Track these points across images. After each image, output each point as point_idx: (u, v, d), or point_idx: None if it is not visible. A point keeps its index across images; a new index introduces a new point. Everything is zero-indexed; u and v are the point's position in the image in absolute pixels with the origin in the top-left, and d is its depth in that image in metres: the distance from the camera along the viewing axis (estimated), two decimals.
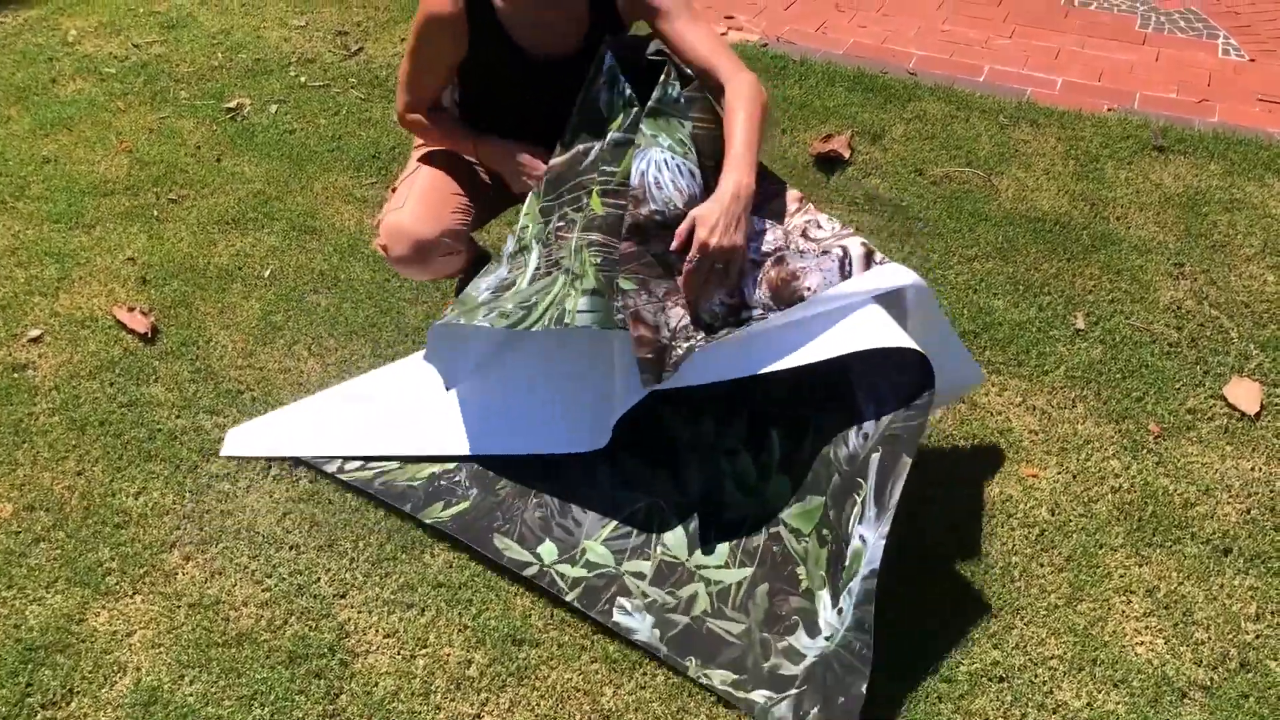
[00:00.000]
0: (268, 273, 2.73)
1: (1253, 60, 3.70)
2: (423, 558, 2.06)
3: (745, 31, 3.84)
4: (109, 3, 3.99)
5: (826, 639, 1.86)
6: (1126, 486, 2.20)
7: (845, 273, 1.84)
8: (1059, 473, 2.23)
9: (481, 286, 2.06)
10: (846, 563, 1.84)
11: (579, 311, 1.84)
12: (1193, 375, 2.45)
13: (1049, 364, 2.47)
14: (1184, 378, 2.44)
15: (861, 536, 1.81)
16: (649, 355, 1.81)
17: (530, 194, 2.09)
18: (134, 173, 3.08)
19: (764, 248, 1.91)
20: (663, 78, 1.99)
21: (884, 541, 1.77)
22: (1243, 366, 2.47)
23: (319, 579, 2.02)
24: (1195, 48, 3.78)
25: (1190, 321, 2.59)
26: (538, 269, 2.01)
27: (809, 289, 1.84)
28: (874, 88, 3.49)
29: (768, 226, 1.93)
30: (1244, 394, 2.39)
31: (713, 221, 1.82)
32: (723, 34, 3.81)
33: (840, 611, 1.84)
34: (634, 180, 1.91)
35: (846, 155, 3.13)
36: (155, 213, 2.93)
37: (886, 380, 1.89)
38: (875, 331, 1.79)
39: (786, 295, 1.85)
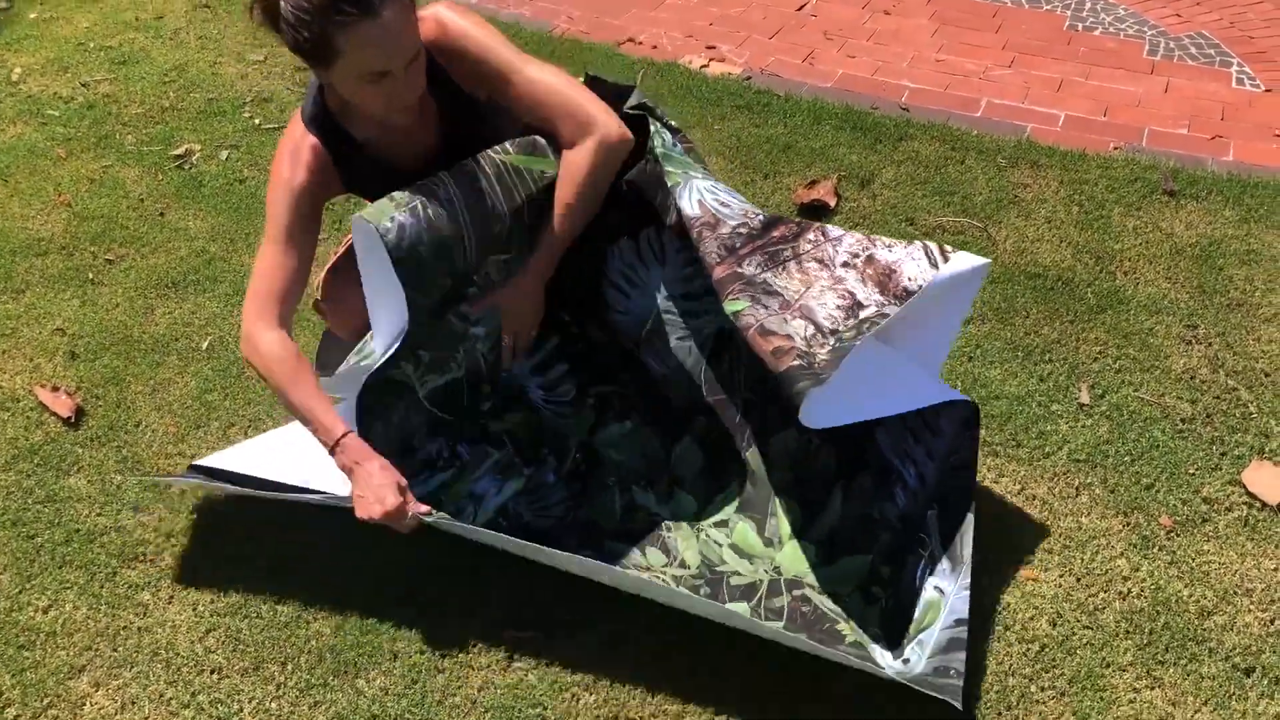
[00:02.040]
0: (206, 344, 2.53)
1: (1269, 90, 3.48)
2: (356, 682, 1.86)
3: (727, 64, 3.62)
4: (59, 37, 3.80)
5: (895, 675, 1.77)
6: (1136, 591, 1.99)
7: (932, 261, 1.83)
8: (1061, 575, 2.02)
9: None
10: (916, 615, 1.84)
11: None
12: (1208, 457, 2.24)
13: (1050, 445, 2.26)
14: (1199, 460, 2.23)
15: (937, 588, 1.84)
16: (798, 362, 1.71)
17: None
18: (71, 229, 2.88)
19: (851, 248, 1.89)
20: (652, 130, 1.98)
21: (968, 593, 1.81)
22: (1263, 447, 2.26)
23: (242, 709, 1.83)
24: (1207, 77, 3.56)
25: (1205, 394, 2.38)
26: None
27: (910, 279, 1.82)
28: (863, 126, 3.27)
29: (844, 232, 1.92)
30: (1265, 481, 2.17)
31: (514, 310, 2.03)
32: (704, 66, 3.60)
33: (907, 661, 1.80)
34: (692, 211, 1.89)
35: (832, 204, 2.92)
36: (90, 275, 2.73)
37: (921, 445, 1.94)
38: (926, 389, 1.88)
39: (892, 288, 1.83)
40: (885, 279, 1.84)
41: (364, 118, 1.88)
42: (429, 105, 1.92)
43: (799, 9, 4.01)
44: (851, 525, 1.99)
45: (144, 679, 1.87)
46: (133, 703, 1.84)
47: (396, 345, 1.90)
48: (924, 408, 1.92)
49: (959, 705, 1.68)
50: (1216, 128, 3.28)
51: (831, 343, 1.75)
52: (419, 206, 1.85)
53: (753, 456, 2.08)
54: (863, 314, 1.80)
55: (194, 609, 1.98)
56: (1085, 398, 2.37)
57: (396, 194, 1.85)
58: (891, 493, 1.97)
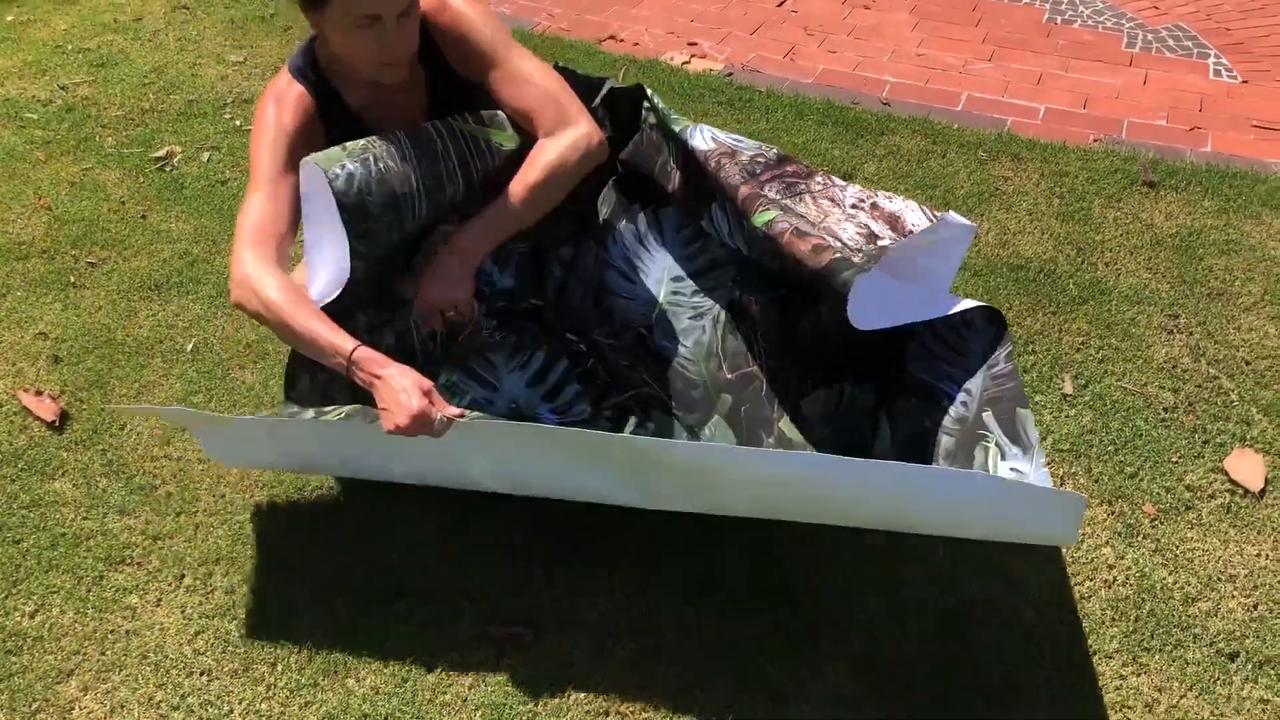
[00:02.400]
0: (190, 346, 2.52)
1: (1246, 81, 3.50)
2: (346, 682, 1.86)
3: (709, 60, 3.63)
4: (36, 40, 3.77)
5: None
6: (1121, 579, 2.01)
7: (927, 216, 1.92)
8: (1047, 564, 2.03)
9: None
10: None
11: None
12: (1191, 445, 2.26)
13: None
14: (1181, 448, 2.25)
15: (1013, 469, 1.79)
16: (838, 256, 1.76)
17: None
18: (52, 233, 2.87)
19: (856, 194, 1.98)
20: (649, 93, 2.06)
21: (1047, 470, 1.76)
22: (1245, 434, 2.28)
23: (232, 710, 1.82)
24: (1185, 69, 3.59)
25: (1187, 382, 2.40)
26: None
27: (914, 225, 1.91)
28: (844, 121, 3.28)
29: (846, 183, 2.02)
30: (1247, 467, 2.20)
31: (433, 277, 1.88)
32: (685, 63, 3.60)
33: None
34: (707, 145, 1.97)
35: None
36: (72, 278, 2.71)
37: (957, 366, 1.94)
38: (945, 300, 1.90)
39: (900, 228, 1.91)
40: (893, 221, 1.92)
41: (355, 81, 1.86)
42: (418, 76, 1.92)
43: (779, 5, 4.02)
44: (905, 444, 1.95)
45: (133, 682, 1.86)
46: (122, 706, 1.83)
47: (335, 293, 1.82)
48: (948, 333, 1.93)
49: (1084, 497, 1.53)
50: (1195, 119, 3.31)
51: (860, 256, 1.81)
52: (371, 159, 1.81)
53: (786, 425, 2.04)
54: (880, 243, 1.87)
55: (182, 611, 1.97)
56: (1068, 388, 2.39)
57: (349, 144, 1.81)
58: (939, 405, 1.93)
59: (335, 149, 1.80)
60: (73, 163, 3.15)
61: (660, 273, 2.13)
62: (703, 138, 1.97)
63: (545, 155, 1.86)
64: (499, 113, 1.94)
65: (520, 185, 1.87)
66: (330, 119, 1.89)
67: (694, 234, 2.12)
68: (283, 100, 1.85)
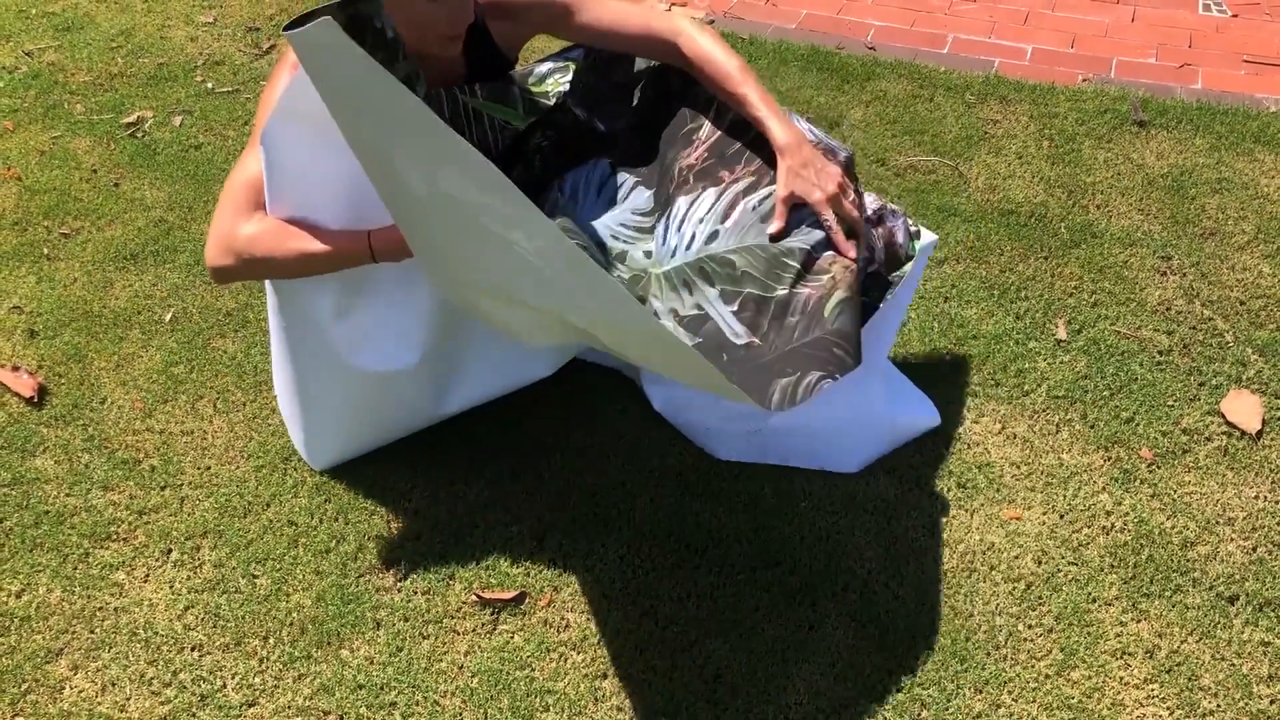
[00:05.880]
0: (169, 316, 2.47)
1: (1236, 16, 3.45)
2: (340, 653, 1.84)
3: (691, 7, 3.56)
4: None
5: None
6: (1119, 526, 1.99)
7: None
8: (1045, 513, 2.01)
9: None
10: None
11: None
12: (1186, 388, 2.23)
13: (1029, 382, 2.25)
14: (1177, 391, 2.23)
15: None
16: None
17: None
18: (23, 203, 2.80)
19: (872, 205, 1.89)
20: None
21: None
22: (1240, 375, 2.25)
23: (225, 685, 1.80)
24: (1173, 4, 3.53)
25: (1181, 324, 2.37)
26: None
27: (900, 243, 1.89)
28: (830, 67, 3.22)
29: (863, 189, 1.92)
30: (1243, 409, 2.17)
31: (810, 176, 1.76)
32: (668, 9, 3.53)
33: None
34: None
35: None
36: (46, 250, 2.65)
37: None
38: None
39: (890, 256, 1.88)
40: (889, 240, 1.89)
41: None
42: (458, 60, 1.89)
43: None
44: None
45: (124, 660, 1.84)
46: (113, 684, 1.80)
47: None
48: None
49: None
50: (1185, 55, 3.26)
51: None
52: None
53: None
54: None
55: (170, 586, 1.94)
56: (1062, 333, 2.36)
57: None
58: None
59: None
60: (42, 131, 3.07)
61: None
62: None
63: (719, 49, 1.85)
64: (513, 88, 1.88)
65: (745, 75, 1.83)
66: None
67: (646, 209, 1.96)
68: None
